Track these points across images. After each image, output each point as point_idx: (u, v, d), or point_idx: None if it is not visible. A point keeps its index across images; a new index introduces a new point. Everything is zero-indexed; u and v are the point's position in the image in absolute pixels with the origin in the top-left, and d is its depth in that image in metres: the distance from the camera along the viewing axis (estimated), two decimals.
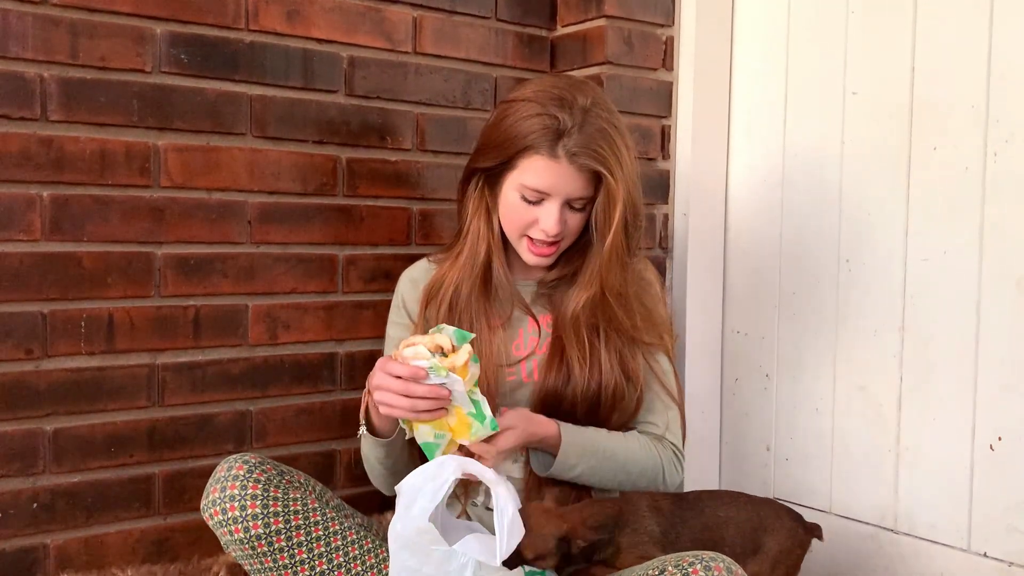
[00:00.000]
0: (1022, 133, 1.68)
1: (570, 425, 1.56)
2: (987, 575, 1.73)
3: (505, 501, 1.33)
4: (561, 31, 2.23)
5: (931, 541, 1.82)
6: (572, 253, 1.65)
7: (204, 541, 1.83)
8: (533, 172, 1.53)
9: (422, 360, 1.37)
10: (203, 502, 1.44)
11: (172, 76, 1.79)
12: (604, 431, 1.60)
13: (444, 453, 1.42)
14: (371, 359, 2.02)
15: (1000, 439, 1.72)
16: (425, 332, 1.49)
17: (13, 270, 1.66)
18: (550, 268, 1.68)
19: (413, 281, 1.72)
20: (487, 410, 1.41)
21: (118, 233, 1.75)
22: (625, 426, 1.64)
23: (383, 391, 1.39)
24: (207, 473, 1.85)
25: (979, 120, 1.73)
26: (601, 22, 2.12)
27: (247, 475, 1.42)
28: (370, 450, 1.59)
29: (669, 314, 1.74)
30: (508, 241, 1.65)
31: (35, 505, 1.70)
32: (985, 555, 1.74)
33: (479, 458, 1.42)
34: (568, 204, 1.56)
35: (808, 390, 2.04)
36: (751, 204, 2.15)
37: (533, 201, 1.55)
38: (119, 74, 1.73)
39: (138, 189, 1.77)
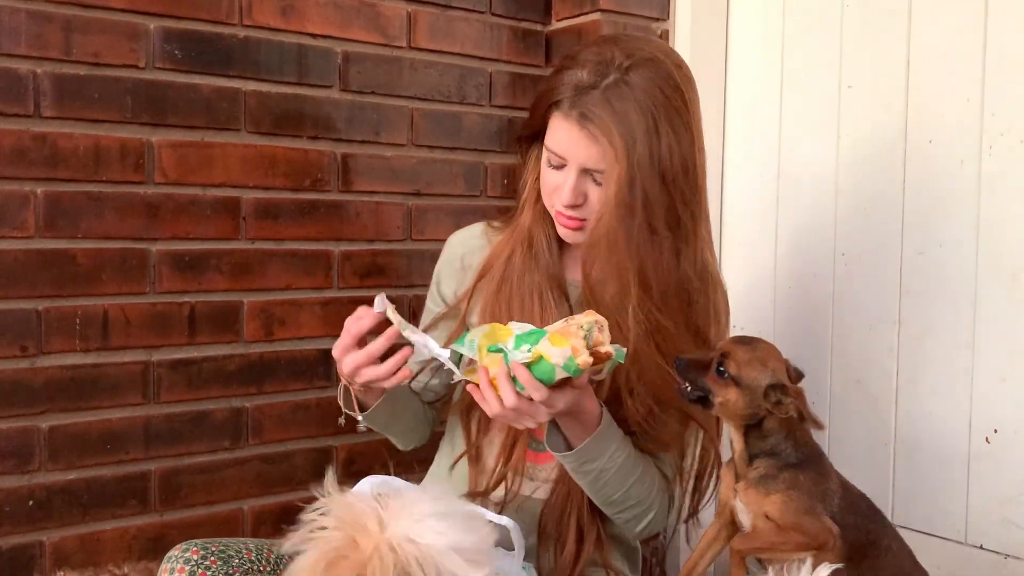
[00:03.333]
0: (1017, 126, 1.68)
1: (608, 413, 1.41)
2: (983, 568, 1.73)
3: None
4: (556, 25, 2.23)
5: (927, 534, 1.82)
6: None
7: (201, 538, 1.82)
8: (552, 132, 1.40)
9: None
10: None
11: (166, 72, 1.78)
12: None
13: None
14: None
15: (996, 431, 1.72)
16: (466, 304, 1.54)
17: (7, 267, 1.65)
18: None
19: (452, 248, 1.65)
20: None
21: (112, 230, 1.74)
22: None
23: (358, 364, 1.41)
24: (203, 470, 1.86)
25: (974, 113, 1.73)
26: (596, 16, 2.11)
27: None
28: (376, 425, 1.55)
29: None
30: None
31: (31, 503, 1.69)
32: (981, 547, 1.75)
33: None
34: (590, 175, 1.39)
35: (804, 384, 2.04)
36: (747, 198, 2.15)
37: (555, 166, 1.42)
38: (113, 70, 1.73)
39: (132, 185, 1.76)
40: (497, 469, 1.52)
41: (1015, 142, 1.68)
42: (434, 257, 2.14)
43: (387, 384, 1.40)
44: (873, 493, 1.89)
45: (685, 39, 2.16)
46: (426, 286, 2.11)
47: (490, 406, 1.29)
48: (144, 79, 1.76)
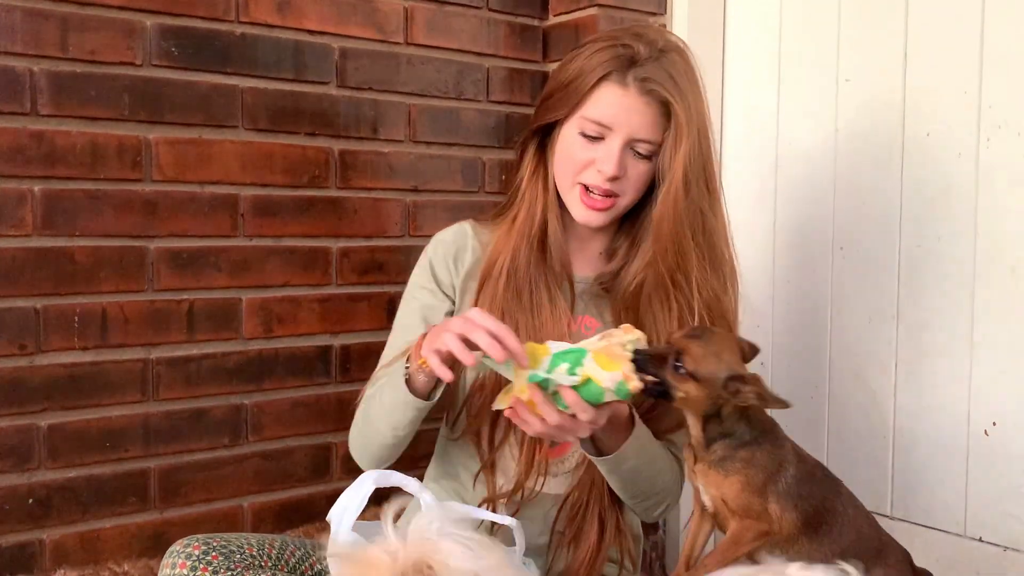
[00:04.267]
0: (1014, 118, 1.68)
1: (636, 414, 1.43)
2: (982, 560, 1.74)
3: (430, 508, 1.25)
4: (553, 20, 2.22)
5: (926, 526, 1.82)
6: (637, 234, 1.52)
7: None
8: (598, 102, 1.41)
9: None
10: None
11: (163, 69, 1.78)
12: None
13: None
14: (366, 351, 2.03)
15: (995, 424, 1.72)
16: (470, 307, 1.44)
17: (5, 265, 1.65)
18: (610, 256, 1.56)
19: (445, 243, 1.58)
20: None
21: (110, 227, 1.74)
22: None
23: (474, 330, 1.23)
24: (203, 467, 1.86)
25: (971, 106, 1.73)
26: (593, 11, 2.11)
27: (190, 574, 1.30)
28: (394, 413, 1.42)
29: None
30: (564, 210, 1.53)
31: (31, 500, 1.69)
32: (980, 540, 1.75)
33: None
34: (631, 147, 1.43)
35: (803, 377, 2.04)
36: (744, 191, 2.15)
37: (593, 136, 1.43)
38: (109, 67, 1.73)
39: (130, 183, 1.76)
40: (520, 471, 1.50)
41: (1012, 134, 1.68)
42: None
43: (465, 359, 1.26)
44: (872, 486, 1.90)
45: (682, 33, 2.15)
46: None
47: (531, 426, 1.29)
48: (141, 76, 1.76)
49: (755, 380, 1.29)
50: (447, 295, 1.56)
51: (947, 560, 1.78)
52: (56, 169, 1.69)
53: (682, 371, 1.27)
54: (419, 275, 1.60)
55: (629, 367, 1.23)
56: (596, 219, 1.48)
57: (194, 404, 1.85)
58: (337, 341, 2.01)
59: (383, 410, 1.44)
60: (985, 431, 1.73)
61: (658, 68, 1.40)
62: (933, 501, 1.81)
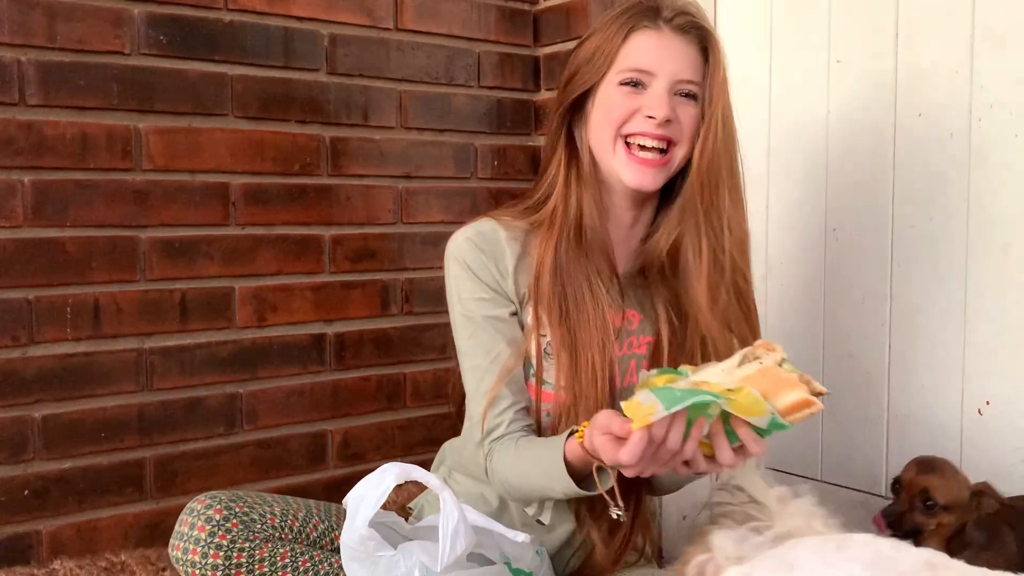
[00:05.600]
0: (1006, 98, 1.68)
1: None
2: None
3: (451, 507, 1.24)
4: (544, 4, 2.22)
5: None
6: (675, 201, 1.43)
7: None
8: (634, 51, 1.36)
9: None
10: (170, 551, 1.33)
11: (151, 58, 1.77)
12: None
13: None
14: (360, 339, 2.03)
15: (988, 403, 1.73)
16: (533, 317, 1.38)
17: None
18: (644, 241, 1.46)
19: (477, 247, 1.43)
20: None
21: (101, 217, 1.74)
22: None
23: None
24: (199, 456, 1.86)
25: (963, 85, 1.73)
26: None
27: (208, 539, 1.29)
28: (546, 493, 1.35)
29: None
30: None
31: (27, 492, 1.69)
32: None
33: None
34: (677, 92, 1.37)
35: (797, 359, 2.02)
36: None
37: (634, 83, 1.36)
38: (98, 57, 1.72)
39: (120, 173, 1.75)
40: None
41: (1004, 114, 1.68)
42: (425, 240, 2.13)
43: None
44: (867, 467, 1.90)
45: None
46: (417, 269, 2.11)
47: (695, 466, 1.20)
48: (129, 65, 1.75)
49: (987, 487, 1.35)
50: (505, 297, 1.44)
51: None
52: (46, 159, 1.68)
53: (936, 508, 1.34)
54: (464, 287, 1.43)
55: (804, 389, 1.15)
56: (649, 177, 1.38)
57: (189, 393, 1.85)
58: (331, 329, 2.01)
59: (525, 486, 1.38)
60: (979, 411, 1.74)
61: (685, 7, 1.41)
62: None
